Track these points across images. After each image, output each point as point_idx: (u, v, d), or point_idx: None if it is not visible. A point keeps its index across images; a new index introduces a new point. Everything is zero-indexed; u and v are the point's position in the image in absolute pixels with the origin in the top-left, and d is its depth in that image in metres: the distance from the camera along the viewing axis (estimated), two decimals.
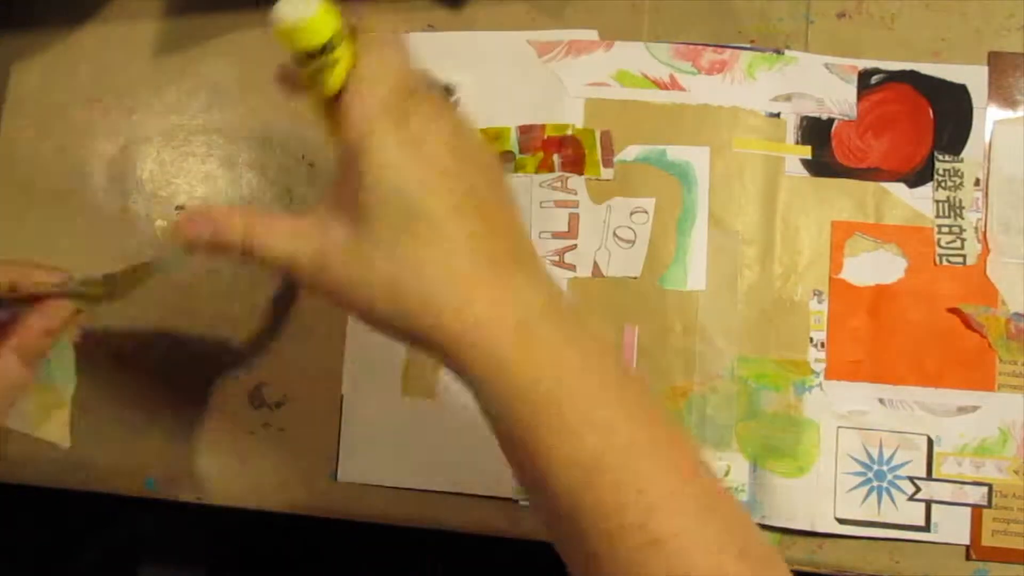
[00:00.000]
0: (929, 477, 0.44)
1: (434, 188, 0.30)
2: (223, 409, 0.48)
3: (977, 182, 0.46)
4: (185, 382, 0.48)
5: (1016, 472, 0.44)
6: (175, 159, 0.50)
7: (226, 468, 0.48)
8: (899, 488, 0.44)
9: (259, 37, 0.50)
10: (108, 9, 0.51)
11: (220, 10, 0.50)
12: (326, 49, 0.30)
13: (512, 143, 0.47)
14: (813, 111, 0.47)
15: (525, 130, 0.47)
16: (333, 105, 0.32)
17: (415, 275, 0.29)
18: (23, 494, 0.49)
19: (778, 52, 0.47)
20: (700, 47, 0.47)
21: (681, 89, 0.47)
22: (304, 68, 0.31)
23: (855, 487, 0.45)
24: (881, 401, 0.45)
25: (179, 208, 0.49)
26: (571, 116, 0.47)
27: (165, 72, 0.50)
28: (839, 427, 0.45)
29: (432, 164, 0.30)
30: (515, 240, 0.32)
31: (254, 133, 0.49)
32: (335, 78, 0.31)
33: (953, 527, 0.44)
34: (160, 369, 0.48)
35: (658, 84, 0.47)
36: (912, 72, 0.46)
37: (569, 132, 0.47)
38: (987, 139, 0.46)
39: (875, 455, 0.45)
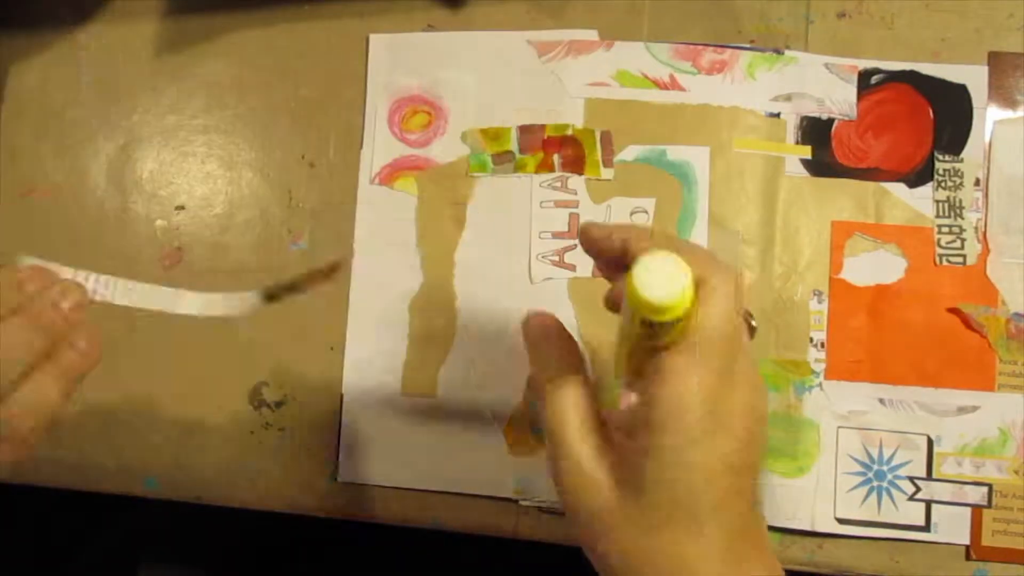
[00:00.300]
0: (929, 477, 0.44)
1: (716, 482, 0.28)
2: (223, 409, 0.48)
3: (977, 182, 0.46)
4: (185, 382, 0.48)
5: (1016, 472, 0.44)
6: (175, 159, 0.50)
7: (226, 468, 0.48)
8: (899, 488, 0.44)
9: (258, 37, 0.50)
10: (108, 9, 0.51)
11: (219, 10, 0.50)
12: (677, 321, 0.27)
13: (512, 143, 0.47)
14: (813, 111, 0.46)
15: (525, 130, 0.47)
16: (649, 347, 0.29)
17: (658, 566, 0.29)
18: (23, 494, 0.49)
19: (778, 52, 0.47)
20: (700, 47, 0.47)
21: (681, 89, 0.47)
22: (646, 330, 0.28)
23: (855, 487, 0.45)
24: (881, 401, 0.45)
25: (179, 208, 0.49)
26: (571, 116, 0.47)
27: (165, 72, 0.50)
28: (839, 427, 0.45)
29: (725, 451, 0.29)
30: (761, 534, 0.31)
31: (254, 133, 0.49)
32: (672, 336, 0.28)
33: (953, 527, 0.44)
34: (160, 369, 0.48)
35: (658, 84, 0.47)
36: (912, 72, 0.46)
37: (569, 132, 0.47)
38: (987, 139, 0.46)
39: (875, 455, 0.45)
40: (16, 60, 0.51)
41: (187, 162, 0.50)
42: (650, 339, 0.28)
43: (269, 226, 0.49)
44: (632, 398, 0.30)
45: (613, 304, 0.34)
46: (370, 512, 0.47)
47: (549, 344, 0.32)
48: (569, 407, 0.31)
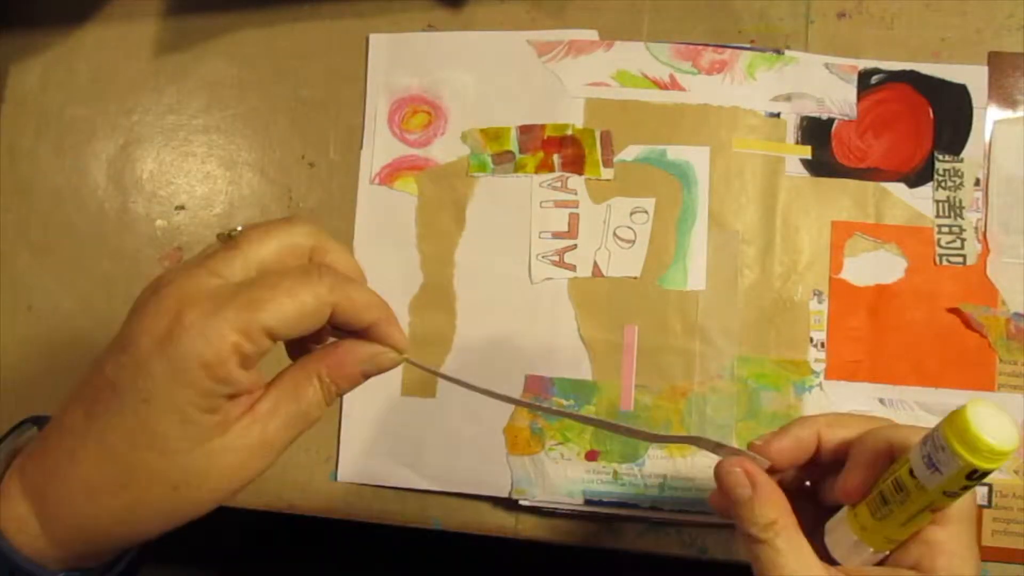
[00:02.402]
0: None
1: None
2: None
3: (977, 182, 0.46)
4: None
5: (1016, 472, 0.44)
6: (175, 159, 0.50)
7: None
8: None
9: (258, 37, 0.50)
10: (108, 9, 0.51)
11: (219, 10, 0.50)
12: (986, 474, 0.28)
13: (512, 143, 0.47)
14: (813, 111, 0.46)
15: (525, 130, 0.47)
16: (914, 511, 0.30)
17: None
18: None
19: (778, 52, 0.47)
20: (700, 47, 0.47)
21: (681, 89, 0.47)
22: (947, 487, 0.29)
23: None
24: (881, 401, 0.45)
25: (179, 208, 0.49)
26: (571, 116, 0.47)
27: (165, 72, 0.50)
28: None
29: None
30: None
31: (254, 133, 0.49)
32: (958, 497, 0.29)
33: None
34: None
35: (658, 84, 0.47)
36: (912, 72, 0.46)
37: (569, 132, 0.47)
38: (987, 139, 0.46)
39: None
40: (16, 60, 0.51)
41: (187, 162, 0.50)
42: (944, 499, 0.29)
43: None
44: (866, 555, 0.32)
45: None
46: (370, 512, 0.47)
47: (761, 492, 0.33)
48: (804, 551, 0.31)
